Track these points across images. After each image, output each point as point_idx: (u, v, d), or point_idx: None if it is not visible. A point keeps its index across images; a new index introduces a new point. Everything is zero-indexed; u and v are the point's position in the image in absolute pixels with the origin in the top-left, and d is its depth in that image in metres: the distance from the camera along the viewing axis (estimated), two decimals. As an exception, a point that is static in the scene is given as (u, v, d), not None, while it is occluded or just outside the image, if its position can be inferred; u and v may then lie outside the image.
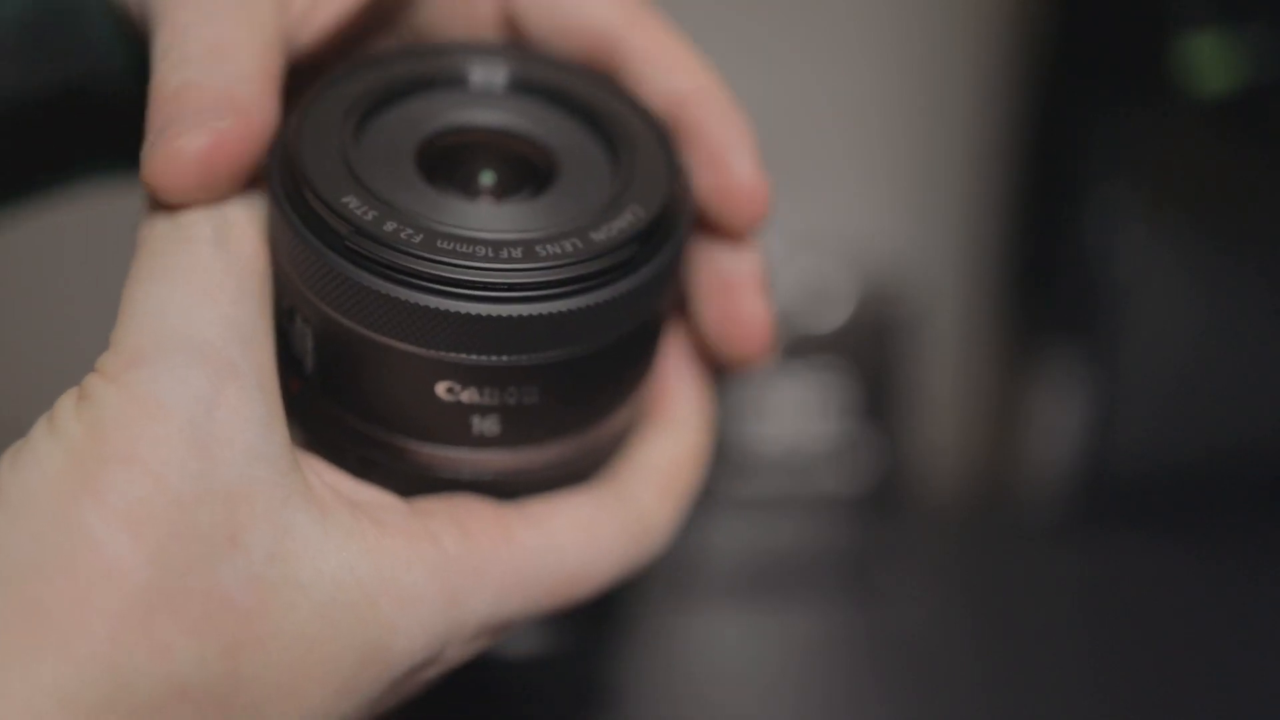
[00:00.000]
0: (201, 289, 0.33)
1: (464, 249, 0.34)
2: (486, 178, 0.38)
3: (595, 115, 0.39)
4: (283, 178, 0.35)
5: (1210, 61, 0.80)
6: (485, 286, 0.33)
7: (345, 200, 0.34)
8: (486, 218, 0.36)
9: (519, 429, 0.37)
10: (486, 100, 0.39)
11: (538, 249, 0.34)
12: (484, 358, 0.34)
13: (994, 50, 1.02)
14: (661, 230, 0.36)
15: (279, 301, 0.36)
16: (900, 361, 0.88)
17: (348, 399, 0.36)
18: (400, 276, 0.33)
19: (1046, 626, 0.78)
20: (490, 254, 0.34)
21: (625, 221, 0.35)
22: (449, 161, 0.38)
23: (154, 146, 0.33)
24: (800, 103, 0.93)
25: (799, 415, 0.85)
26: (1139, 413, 0.91)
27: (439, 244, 0.34)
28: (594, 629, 0.65)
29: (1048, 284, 0.96)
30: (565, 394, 0.36)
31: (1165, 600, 0.79)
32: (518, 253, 0.34)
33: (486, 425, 0.36)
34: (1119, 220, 0.90)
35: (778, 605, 0.78)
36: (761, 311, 0.40)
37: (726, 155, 0.38)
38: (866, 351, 0.87)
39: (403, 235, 0.34)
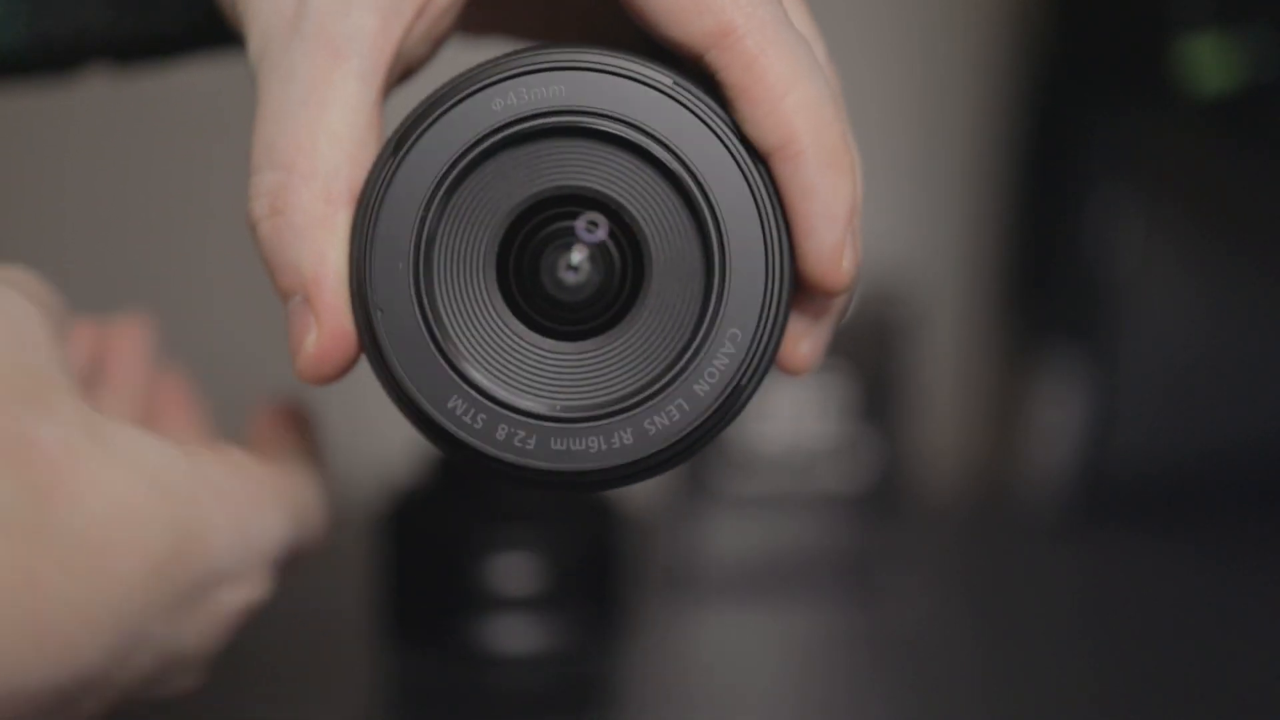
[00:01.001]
0: None
1: (577, 445, 0.34)
2: (576, 300, 0.35)
3: (679, 176, 0.34)
4: (376, 362, 0.35)
5: (1210, 62, 0.80)
6: (602, 481, 0.35)
7: (451, 405, 0.34)
8: (587, 375, 0.35)
9: None
10: (555, 162, 0.35)
11: (646, 425, 0.34)
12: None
13: (994, 51, 1.02)
14: (761, 345, 0.35)
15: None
16: (900, 361, 0.88)
17: None
18: (518, 476, 0.34)
19: (1047, 626, 0.78)
20: (603, 446, 0.34)
21: (725, 358, 0.35)
22: (532, 282, 0.35)
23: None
24: (800, 103, 0.93)
25: (799, 414, 0.85)
26: (1138, 412, 0.91)
27: (552, 443, 0.34)
28: (593, 628, 0.65)
29: (1047, 284, 0.97)
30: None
31: (1165, 599, 0.79)
32: (628, 436, 0.34)
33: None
34: (1119, 220, 0.90)
35: (777, 604, 0.78)
36: (810, 347, 0.39)
37: (803, 228, 0.35)
38: (866, 351, 0.87)
39: (516, 442, 0.34)
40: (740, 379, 0.35)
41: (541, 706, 0.63)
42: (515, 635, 0.63)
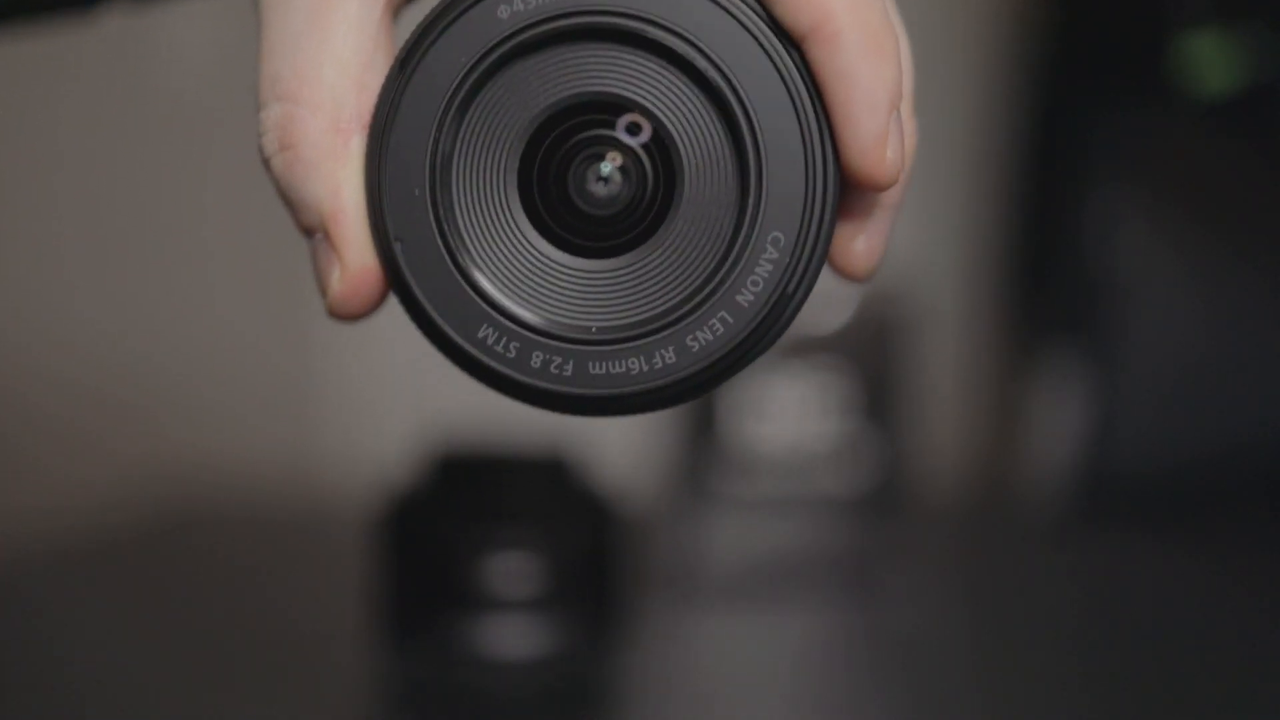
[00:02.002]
0: None
1: (616, 368, 0.32)
2: (607, 214, 0.33)
3: (704, 72, 0.32)
4: (401, 294, 0.33)
5: (1210, 62, 0.80)
6: (645, 403, 0.33)
7: (481, 335, 0.33)
8: (621, 293, 0.33)
9: None
10: (571, 68, 0.33)
11: (689, 341, 0.32)
12: None
13: (994, 51, 1.02)
14: (807, 248, 0.32)
15: None
16: (901, 361, 0.88)
17: None
18: (557, 404, 0.33)
19: (1047, 627, 0.78)
20: (644, 367, 0.32)
21: (769, 264, 0.32)
22: (559, 197, 0.33)
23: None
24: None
25: (800, 415, 0.85)
26: (1139, 412, 0.91)
27: (590, 367, 0.32)
28: (592, 630, 0.65)
29: (1048, 283, 0.96)
30: None
31: (1165, 600, 0.79)
32: (670, 355, 0.32)
33: None
34: (1119, 220, 0.90)
35: (777, 606, 0.78)
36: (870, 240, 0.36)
37: (842, 117, 0.32)
38: (867, 351, 0.87)
39: (552, 369, 0.32)
40: (786, 285, 0.32)
41: (540, 709, 0.63)
42: (514, 638, 0.63)
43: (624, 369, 0.32)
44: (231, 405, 1.04)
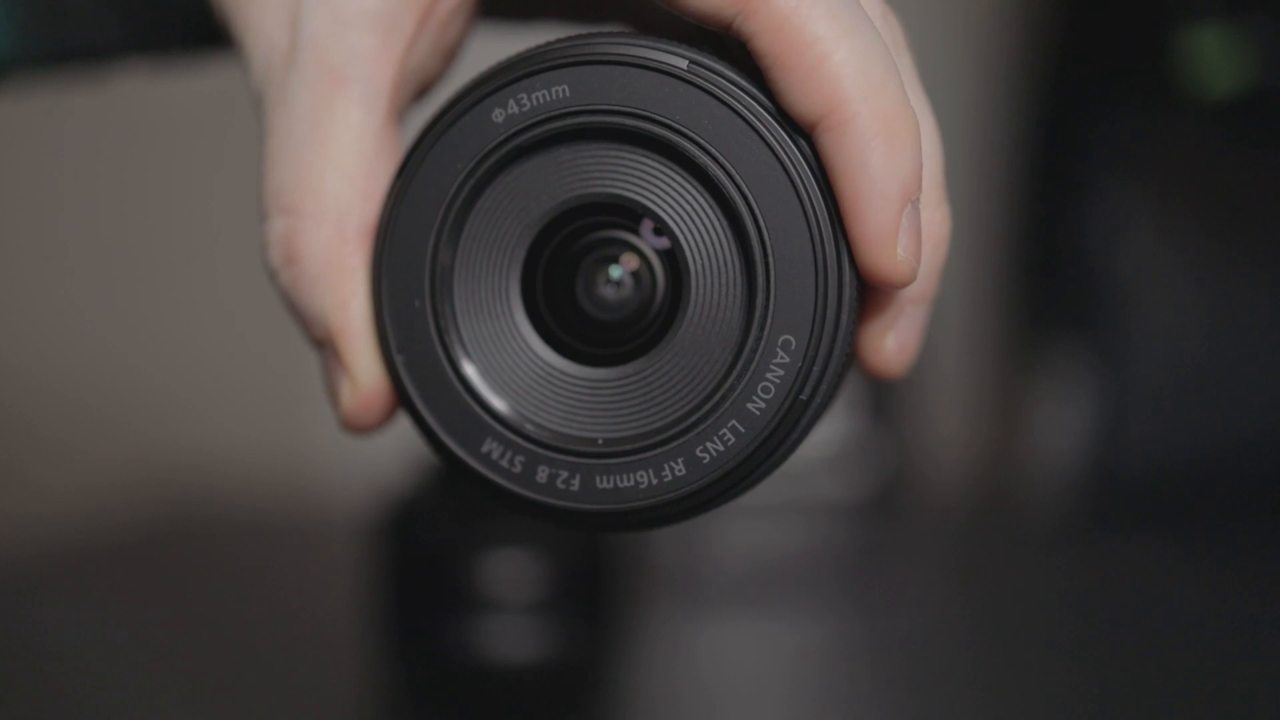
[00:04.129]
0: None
1: (625, 481, 0.31)
2: (617, 319, 0.32)
3: (706, 168, 0.31)
4: (406, 407, 0.32)
5: (1215, 61, 0.80)
6: (654, 519, 0.31)
7: (485, 449, 0.31)
8: (629, 403, 0.31)
9: None
10: (571, 170, 0.31)
11: (698, 452, 0.31)
12: None
13: (999, 49, 1.01)
14: (821, 352, 0.30)
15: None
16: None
17: None
18: (564, 520, 0.32)
19: (1050, 629, 0.78)
20: (653, 481, 0.31)
21: (780, 369, 0.30)
22: (566, 303, 0.32)
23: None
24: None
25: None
26: (1143, 413, 0.90)
27: (598, 482, 0.31)
28: (593, 634, 0.64)
29: (1052, 283, 0.96)
30: None
31: (1172, 604, 0.79)
32: (679, 467, 0.31)
33: None
34: (1124, 219, 0.89)
35: (780, 610, 0.78)
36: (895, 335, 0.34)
37: (850, 210, 0.30)
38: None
39: (559, 484, 0.31)
40: (800, 391, 0.30)
41: (539, 712, 0.63)
42: (513, 641, 0.62)
43: (632, 483, 0.31)
44: (229, 411, 1.04)
